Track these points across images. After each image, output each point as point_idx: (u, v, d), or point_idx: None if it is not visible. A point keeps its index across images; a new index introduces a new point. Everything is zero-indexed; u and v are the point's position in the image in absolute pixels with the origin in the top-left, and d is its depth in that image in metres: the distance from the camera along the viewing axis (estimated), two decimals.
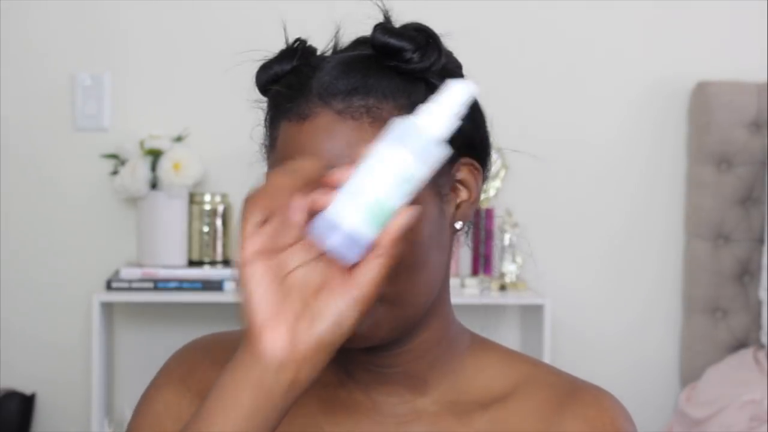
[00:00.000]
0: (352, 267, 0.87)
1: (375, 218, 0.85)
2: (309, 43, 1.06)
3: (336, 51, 1.07)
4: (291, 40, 1.07)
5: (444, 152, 0.87)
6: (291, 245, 0.88)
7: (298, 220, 0.87)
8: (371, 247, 0.86)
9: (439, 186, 1.03)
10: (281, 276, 0.87)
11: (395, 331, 1.03)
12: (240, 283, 0.87)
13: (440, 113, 0.88)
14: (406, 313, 1.03)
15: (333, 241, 0.86)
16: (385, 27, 1.04)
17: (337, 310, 0.87)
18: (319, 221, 0.86)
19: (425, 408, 1.09)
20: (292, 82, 1.03)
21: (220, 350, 1.12)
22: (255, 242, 0.86)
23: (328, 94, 1.01)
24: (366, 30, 1.07)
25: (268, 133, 1.05)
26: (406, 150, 0.86)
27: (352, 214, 0.85)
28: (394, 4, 1.07)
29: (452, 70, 1.07)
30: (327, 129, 1.00)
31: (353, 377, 1.09)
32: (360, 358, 1.07)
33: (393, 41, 1.03)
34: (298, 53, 1.05)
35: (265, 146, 1.07)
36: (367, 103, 1.01)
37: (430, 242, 1.02)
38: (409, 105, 1.02)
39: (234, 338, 1.11)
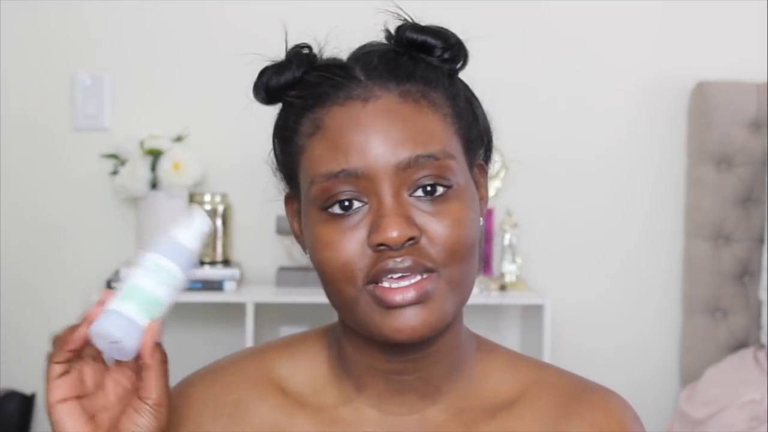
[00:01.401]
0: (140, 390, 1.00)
1: (143, 306, 0.99)
2: (313, 50, 1.07)
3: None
4: (292, 41, 1.06)
5: (195, 264, 1.04)
6: (96, 388, 1.01)
7: (75, 346, 0.98)
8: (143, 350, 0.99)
9: (473, 178, 1.07)
10: (88, 415, 0.99)
11: (452, 317, 1.03)
12: (52, 426, 0.98)
13: (193, 233, 1.03)
14: (462, 299, 1.04)
15: (109, 328, 0.98)
16: (415, 25, 1.05)
17: (138, 427, 0.98)
18: (97, 324, 0.98)
19: (434, 417, 1.08)
20: (334, 71, 1.03)
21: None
22: (59, 391, 0.98)
23: (381, 78, 1.02)
24: (363, 33, 1.07)
25: (302, 123, 1.03)
26: (170, 261, 1.01)
27: (123, 304, 0.99)
28: (393, 3, 1.07)
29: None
30: (391, 110, 1.01)
31: (365, 391, 1.08)
32: (380, 368, 1.07)
33: (430, 39, 1.05)
34: (309, 58, 1.05)
35: (294, 137, 1.04)
36: (420, 88, 1.03)
37: (478, 230, 1.05)
38: (452, 96, 1.05)
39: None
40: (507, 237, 3.07)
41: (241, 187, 3.04)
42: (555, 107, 3.17)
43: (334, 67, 1.04)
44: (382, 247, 0.99)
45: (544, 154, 3.15)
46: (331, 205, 1.00)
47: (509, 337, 3.15)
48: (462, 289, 1.03)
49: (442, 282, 1.00)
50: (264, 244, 3.10)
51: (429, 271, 1.00)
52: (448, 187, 1.01)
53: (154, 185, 2.93)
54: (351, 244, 1.00)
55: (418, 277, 0.99)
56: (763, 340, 3.01)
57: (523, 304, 3.10)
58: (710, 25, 3.18)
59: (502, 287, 3.01)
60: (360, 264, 0.99)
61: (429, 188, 1.00)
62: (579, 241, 3.19)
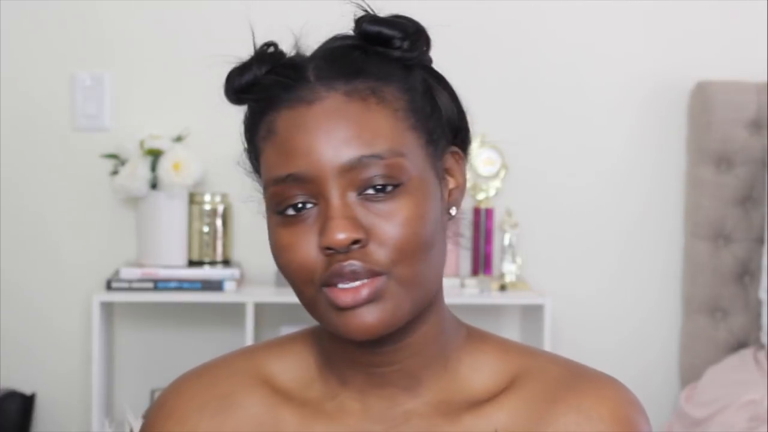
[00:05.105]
0: None
1: None
2: (279, 47, 1.07)
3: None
4: (265, 42, 1.07)
5: None
6: None
7: None
8: None
9: (437, 170, 1.05)
10: None
11: (411, 314, 1.03)
12: None
13: None
14: (421, 295, 1.03)
15: None
16: (373, 17, 1.04)
17: None
18: None
19: (416, 409, 1.08)
20: (287, 73, 1.03)
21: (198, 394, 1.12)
22: None
23: (329, 78, 1.02)
24: (339, 27, 1.07)
25: (259, 126, 1.04)
26: None
27: None
28: (390, 4, 1.07)
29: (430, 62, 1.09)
30: (337, 110, 1.00)
31: (348, 385, 1.08)
32: (359, 360, 1.07)
33: (385, 30, 1.04)
34: (274, 56, 1.05)
35: (254, 138, 1.05)
36: (370, 84, 1.02)
37: (436, 224, 1.03)
38: (407, 89, 1.04)
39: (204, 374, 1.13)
40: (507, 237, 3.07)
41: (241, 187, 3.03)
42: (555, 107, 3.17)
43: (288, 68, 1.04)
44: (329, 251, 0.99)
45: (544, 154, 3.15)
46: (285, 209, 1.02)
47: (509, 337, 3.15)
48: (418, 287, 1.02)
49: (392, 282, 1.00)
50: (264, 244, 3.05)
51: (377, 274, 1.00)
52: (397, 185, 1.00)
53: (154, 185, 2.93)
54: (305, 247, 1.01)
55: (368, 279, 1.00)
56: (763, 340, 3.01)
57: (523, 304, 3.10)
58: (710, 25, 3.18)
59: (502, 287, 3.01)
60: (315, 267, 1.00)
61: (379, 186, 1.00)
62: (579, 240, 3.19)
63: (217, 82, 3.15)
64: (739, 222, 3.09)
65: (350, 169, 0.99)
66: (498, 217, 3.11)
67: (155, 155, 2.93)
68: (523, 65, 3.16)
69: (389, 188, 1.00)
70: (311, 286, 1.01)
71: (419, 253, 1.01)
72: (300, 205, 1.01)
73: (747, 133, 3.07)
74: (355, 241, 0.99)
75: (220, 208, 3.00)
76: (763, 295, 3.02)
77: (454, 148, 1.08)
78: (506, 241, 3.07)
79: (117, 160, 3.00)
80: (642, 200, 3.20)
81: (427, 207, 1.02)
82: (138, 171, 2.91)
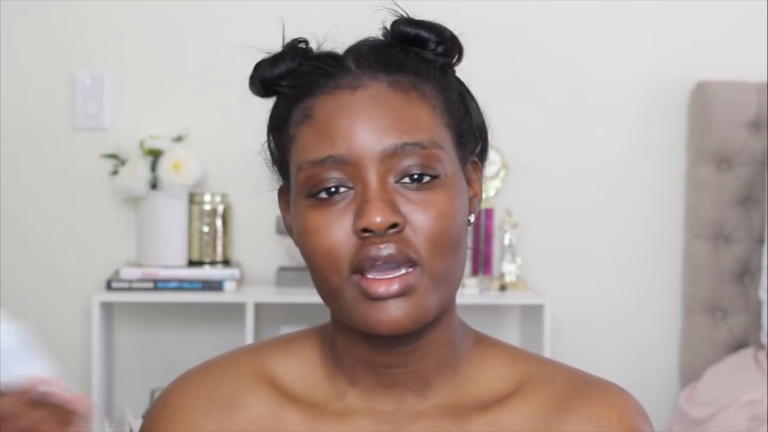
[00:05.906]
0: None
1: None
2: (309, 44, 1.08)
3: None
4: (289, 39, 1.07)
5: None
6: None
7: None
8: None
9: (464, 173, 1.07)
10: None
11: (437, 311, 1.03)
12: None
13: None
14: (447, 293, 1.04)
15: None
16: (410, 20, 1.06)
17: None
18: None
19: (424, 411, 1.08)
20: (325, 61, 1.04)
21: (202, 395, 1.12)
22: None
23: (371, 68, 1.03)
24: (360, 30, 1.08)
25: (292, 112, 1.05)
26: None
27: None
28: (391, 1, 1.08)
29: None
30: (380, 98, 1.02)
31: (357, 385, 1.08)
32: (371, 361, 1.07)
33: (423, 32, 1.06)
34: (306, 51, 1.06)
35: (285, 126, 1.05)
36: (410, 80, 1.03)
37: (464, 225, 1.04)
38: (444, 89, 1.05)
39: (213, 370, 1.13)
40: (507, 237, 3.07)
41: (241, 187, 3.04)
42: (555, 107, 3.17)
43: (326, 57, 1.05)
44: (366, 234, 0.99)
45: (544, 154, 3.15)
46: (318, 192, 1.01)
47: (509, 337, 3.15)
48: (446, 284, 1.03)
49: (425, 277, 1.00)
50: (264, 244, 3.10)
51: (412, 263, 1.00)
52: (434, 176, 1.01)
53: (154, 185, 2.93)
54: (337, 231, 1.00)
55: (402, 270, 1.00)
56: (763, 340, 3.01)
57: (523, 304, 3.10)
58: (710, 25, 3.18)
59: (502, 287, 3.01)
60: (345, 252, 1.00)
61: (416, 176, 1.01)
62: (579, 241, 3.19)
63: (217, 83, 3.14)
64: (739, 222, 3.09)
65: (392, 155, 1.00)
66: (498, 217, 3.11)
67: (155, 155, 2.94)
68: (523, 65, 3.15)
69: (426, 179, 1.01)
70: (338, 274, 1.01)
71: (450, 249, 1.01)
72: (333, 189, 1.01)
73: (747, 133, 3.07)
74: (393, 225, 0.99)
75: (220, 208, 3.00)
76: (763, 295, 3.02)
77: (474, 158, 1.09)
78: (506, 241, 3.07)
79: (117, 160, 3.00)
80: (642, 200, 3.20)
81: (459, 204, 1.03)
82: (138, 171, 2.91)
